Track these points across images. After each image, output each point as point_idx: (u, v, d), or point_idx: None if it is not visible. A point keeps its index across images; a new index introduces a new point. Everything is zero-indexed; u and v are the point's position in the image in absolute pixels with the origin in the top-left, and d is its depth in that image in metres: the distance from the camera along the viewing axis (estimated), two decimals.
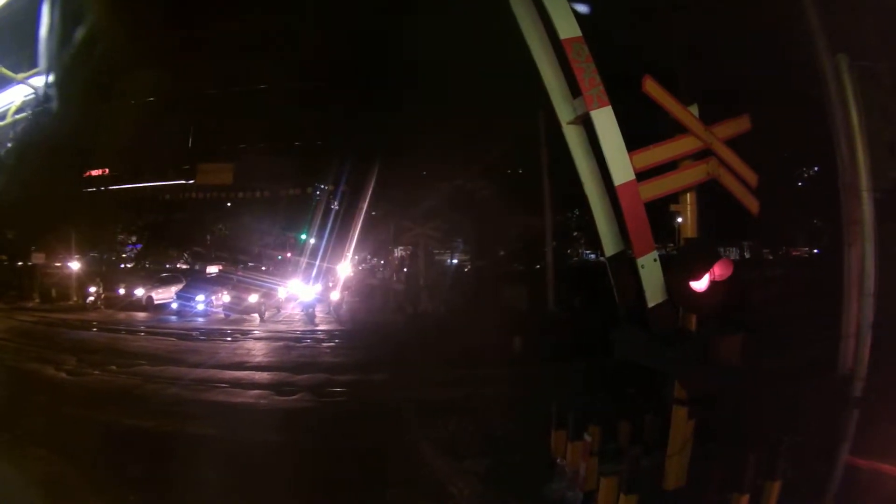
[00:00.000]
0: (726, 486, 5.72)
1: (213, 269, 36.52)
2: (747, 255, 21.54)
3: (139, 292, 26.87)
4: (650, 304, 6.13)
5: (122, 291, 27.59)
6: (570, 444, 7.19)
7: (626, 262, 6.45)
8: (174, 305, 25.92)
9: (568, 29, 6.29)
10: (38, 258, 27.72)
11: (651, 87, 6.31)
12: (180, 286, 27.42)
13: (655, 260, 6.15)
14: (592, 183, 6.60)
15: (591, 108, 6.22)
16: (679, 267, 6.37)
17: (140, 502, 6.31)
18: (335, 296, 27.10)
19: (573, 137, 6.67)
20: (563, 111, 6.64)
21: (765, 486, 5.71)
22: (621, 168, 6.19)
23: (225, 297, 25.61)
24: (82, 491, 4.92)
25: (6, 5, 9.72)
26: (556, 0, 6.26)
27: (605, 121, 6.24)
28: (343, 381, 12.73)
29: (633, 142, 6.27)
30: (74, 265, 27.83)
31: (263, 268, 34.93)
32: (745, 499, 5.57)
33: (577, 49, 6.27)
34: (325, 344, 17.99)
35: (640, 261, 6.12)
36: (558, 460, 7.41)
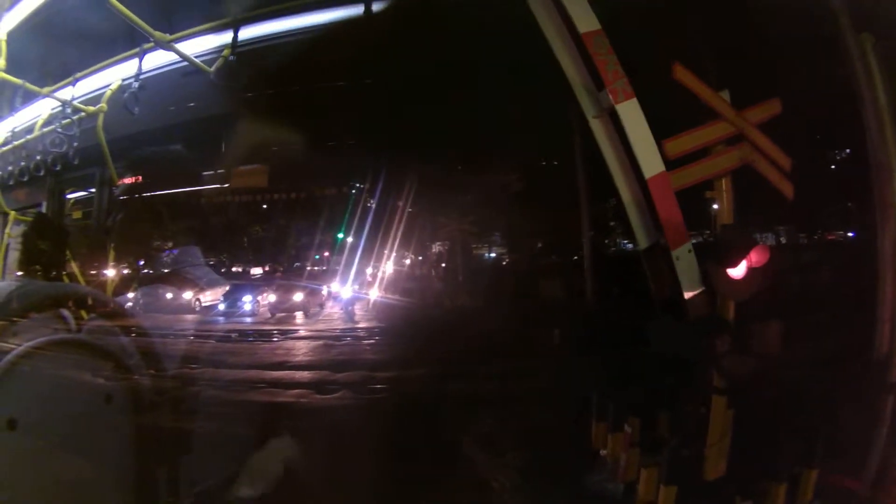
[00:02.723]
0: (765, 475, 5.69)
1: (257, 271, 36.92)
2: (783, 241, 21.19)
3: (187, 295, 27.16)
4: (687, 295, 6.11)
5: (169, 295, 27.88)
6: (611, 436, 7.20)
7: (660, 254, 6.42)
8: (221, 307, 26.18)
9: (587, 22, 6.30)
10: (72, 267, 27.93)
11: (681, 73, 6.31)
12: (226, 288, 27.70)
13: (690, 251, 6.16)
14: (622, 176, 6.63)
15: (616, 102, 6.25)
16: (716, 254, 6.34)
17: None
18: (374, 293, 27.22)
19: (600, 131, 6.67)
20: (589, 105, 6.63)
21: (802, 475, 5.67)
22: (651, 160, 6.23)
23: (270, 297, 25.87)
24: (113, 493, 5.02)
25: (26, 20, 9.91)
26: None
27: (632, 113, 6.27)
28: (383, 378, 12.76)
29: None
30: (110, 272, 27.93)
31: (304, 267, 35.22)
32: (783, 487, 5.54)
33: (598, 42, 6.30)
34: (364, 341, 18.05)
35: (675, 252, 6.14)
36: (601, 452, 7.42)
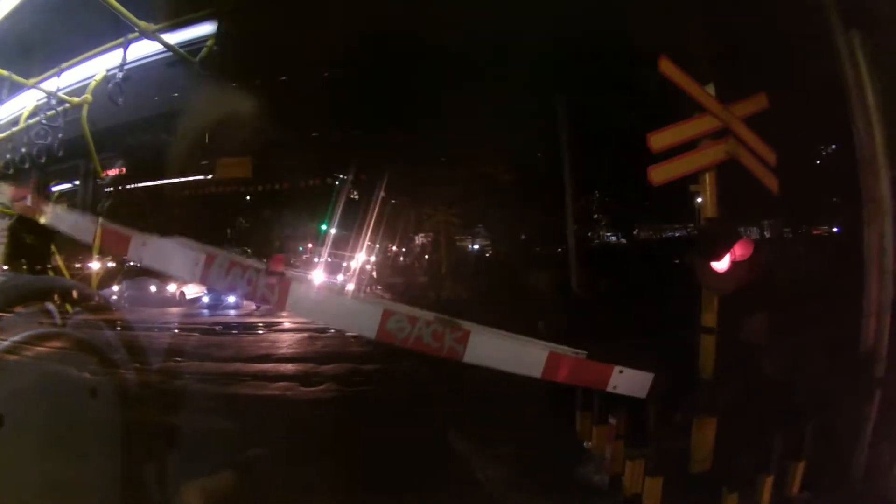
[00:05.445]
0: (752, 468, 5.74)
1: None
2: (767, 235, 21.29)
3: (171, 288, 26.83)
4: (644, 398, 6.07)
5: (154, 288, 27.51)
6: (596, 428, 7.23)
7: None
8: (205, 299, 25.93)
9: None
10: (57, 260, 27.36)
11: (666, 66, 6.32)
12: None
13: (621, 371, 6.01)
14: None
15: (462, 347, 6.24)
16: (700, 248, 6.39)
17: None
18: (358, 284, 27.13)
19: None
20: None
21: (789, 467, 5.73)
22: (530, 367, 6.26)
23: None
24: (100, 486, 4.94)
25: (13, 13, 9.78)
26: None
27: (483, 346, 6.42)
28: (369, 371, 12.75)
29: None
30: (95, 265, 27.41)
31: (288, 259, 35.04)
32: (770, 479, 5.59)
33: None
34: (349, 333, 17.99)
35: (609, 386, 6.05)
36: (585, 444, 7.46)
